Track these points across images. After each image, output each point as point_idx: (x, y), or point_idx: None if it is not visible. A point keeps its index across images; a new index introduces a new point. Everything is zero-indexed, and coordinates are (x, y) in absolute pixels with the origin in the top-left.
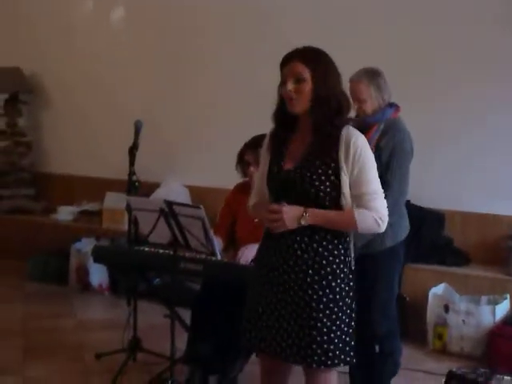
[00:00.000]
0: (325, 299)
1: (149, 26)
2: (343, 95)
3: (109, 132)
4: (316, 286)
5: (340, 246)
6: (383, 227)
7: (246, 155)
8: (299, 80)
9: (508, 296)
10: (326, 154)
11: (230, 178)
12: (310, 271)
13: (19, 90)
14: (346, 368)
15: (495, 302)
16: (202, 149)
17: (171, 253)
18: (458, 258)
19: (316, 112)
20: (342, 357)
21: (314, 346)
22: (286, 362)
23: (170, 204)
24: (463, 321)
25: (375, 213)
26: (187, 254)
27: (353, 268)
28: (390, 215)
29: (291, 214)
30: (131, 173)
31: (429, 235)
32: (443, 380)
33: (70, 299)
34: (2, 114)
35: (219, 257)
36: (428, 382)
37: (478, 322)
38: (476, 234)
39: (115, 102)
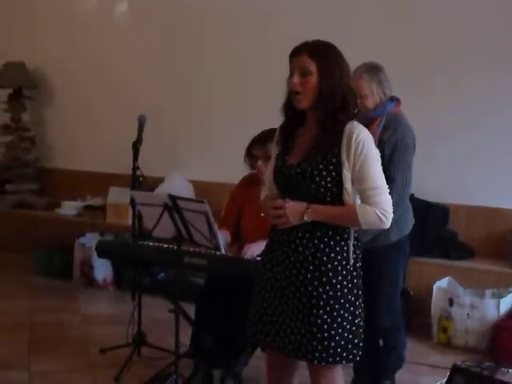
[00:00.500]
0: (325, 296)
1: (153, 20)
2: (350, 90)
3: (113, 127)
4: (316, 283)
5: (342, 243)
6: (387, 223)
7: (254, 149)
8: (305, 73)
9: None
10: (328, 149)
11: (233, 173)
12: (311, 267)
13: (23, 85)
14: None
15: (500, 296)
16: (205, 144)
17: (175, 247)
18: (462, 252)
19: (320, 106)
20: (344, 354)
21: (315, 343)
22: (289, 357)
23: (174, 198)
24: (468, 314)
25: (378, 208)
26: (191, 249)
27: (358, 265)
28: (394, 210)
29: (294, 210)
30: (135, 167)
31: (433, 229)
32: (447, 373)
33: (75, 294)
34: (6, 109)
35: (223, 251)
36: (432, 376)
37: (482, 316)
38: (480, 227)
39: (119, 97)
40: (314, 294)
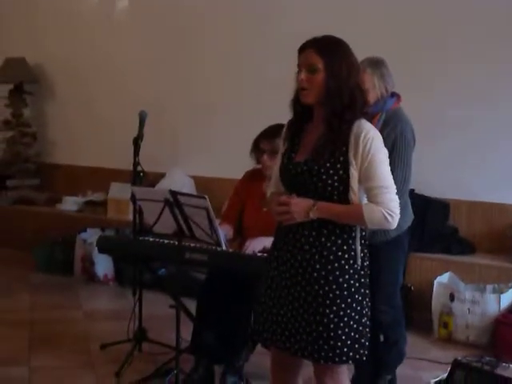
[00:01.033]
0: (331, 295)
1: (154, 15)
2: (358, 89)
3: (113, 122)
4: (323, 281)
5: (350, 241)
6: (393, 223)
7: (262, 143)
8: (312, 70)
9: None
10: (335, 148)
11: (234, 168)
12: (318, 266)
13: (24, 81)
14: None
15: (500, 291)
16: (206, 139)
17: (176, 243)
18: (463, 247)
19: (327, 104)
20: (351, 354)
21: (321, 342)
22: (294, 357)
23: (174, 194)
24: (468, 309)
25: (384, 207)
26: (192, 244)
27: (366, 264)
28: None
29: (300, 207)
30: (136, 163)
31: (434, 224)
32: (448, 369)
33: (76, 290)
34: (7, 105)
35: (224, 247)
36: (433, 371)
37: (483, 311)
38: (481, 222)
39: (120, 93)
40: (321, 292)
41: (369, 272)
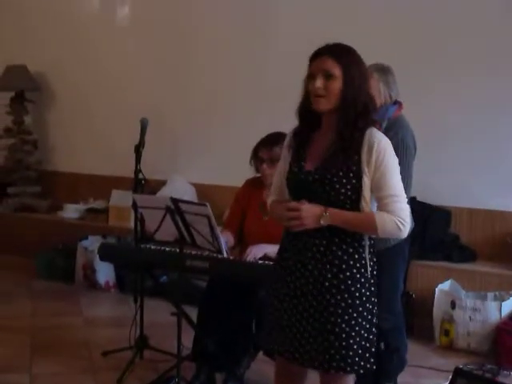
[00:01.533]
0: (343, 304)
1: (155, 23)
2: (369, 96)
3: (115, 130)
4: (334, 291)
5: (360, 250)
6: (405, 232)
7: (261, 152)
8: (329, 76)
9: None
10: (347, 157)
11: (236, 176)
12: (329, 275)
13: (25, 88)
14: None
15: (502, 299)
16: (207, 146)
17: (177, 250)
18: (464, 255)
19: (342, 112)
20: (362, 363)
21: (332, 352)
22: (303, 367)
23: (176, 202)
24: (470, 317)
25: (396, 216)
26: (193, 252)
27: (375, 272)
28: None
29: (311, 213)
30: (137, 170)
31: (435, 232)
32: (450, 376)
33: (77, 297)
34: (8, 112)
35: (225, 254)
36: (435, 379)
37: (484, 319)
38: (483, 230)
39: (121, 100)
40: (332, 302)
41: (377, 280)
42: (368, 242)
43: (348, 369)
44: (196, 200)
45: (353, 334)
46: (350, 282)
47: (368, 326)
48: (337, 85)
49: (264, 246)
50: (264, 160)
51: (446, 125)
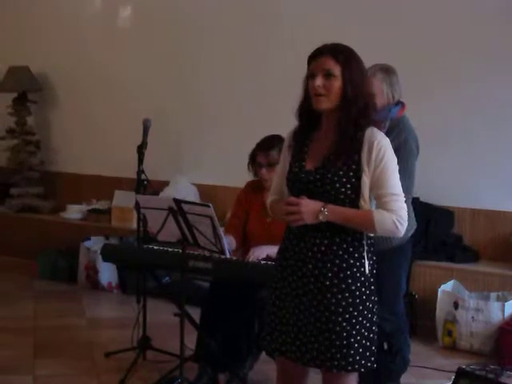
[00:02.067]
0: (344, 303)
1: (157, 24)
2: (370, 95)
3: (117, 130)
4: (335, 290)
5: (360, 249)
6: (402, 231)
7: (258, 157)
8: (329, 75)
9: None
10: (348, 156)
11: (238, 176)
12: (330, 274)
13: (28, 89)
14: None
15: (504, 299)
16: (210, 147)
17: (180, 251)
18: (467, 255)
19: (342, 111)
20: (363, 362)
21: (334, 351)
22: (305, 366)
23: (178, 202)
24: (472, 317)
25: (395, 215)
26: (196, 253)
27: (374, 271)
28: None
29: (309, 208)
30: (140, 171)
31: (438, 232)
32: (453, 377)
33: (80, 297)
34: (10, 113)
35: (228, 255)
36: (437, 379)
37: (487, 319)
38: (485, 230)
39: (124, 101)
40: (333, 300)
41: (376, 280)
42: (367, 241)
43: (349, 368)
44: (198, 201)
45: (353, 332)
46: (350, 281)
47: (368, 324)
48: (337, 83)
49: (266, 247)
50: (262, 165)
51: (448, 125)
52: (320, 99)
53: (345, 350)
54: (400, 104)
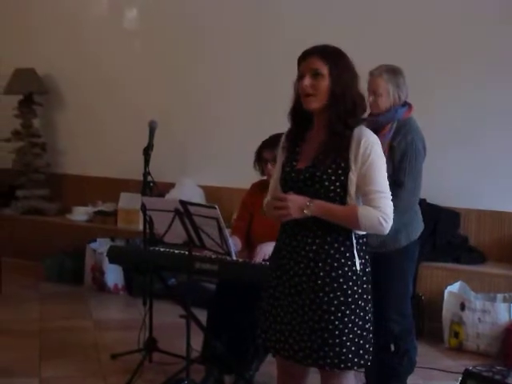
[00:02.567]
0: (336, 301)
1: (163, 26)
2: (359, 95)
3: (123, 133)
4: (327, 288)
5: (351, 248)
6: (387, 229)
7: (264, 153)
8: (316, 75)
9: None
10: (336, 154)
11: (244, 178)
12: (322, 273)
13: (34, 91)
14: None
15: (511, 300)
16: (216, 149)
17: (186, 253)
18: (473, 256)
19: (331, 110)
20: (356, 360)
21: (326, 349)
22: (299, 364)
23: (184, 204)
24: (479, 319)
25: (380, 212)
26: (202, 254)
27: (367, 270)
28: (403, 214)
29: (296, 203)
30: (146, 173)
31: (444, 233)
32: (459, 378)
33: (86, 299)
34: (16, 115)
35: (234, 257)
36: (444, 380)
37: (493, 320)
38: (491, 232)
39: (129, 103)
40: (325, 299)
41: (370, 278)
42: (358, 240)
43: (342, 365)
44: (204, 202)
45: (346, 331)
46: (341, 280)
47: (361, 322)
48: (324, 83)
49: (273, 244)
50: (268, 160)
51: (454, 127)
52: (309, 99)
53: (337, 349)
54: (407, 105)
